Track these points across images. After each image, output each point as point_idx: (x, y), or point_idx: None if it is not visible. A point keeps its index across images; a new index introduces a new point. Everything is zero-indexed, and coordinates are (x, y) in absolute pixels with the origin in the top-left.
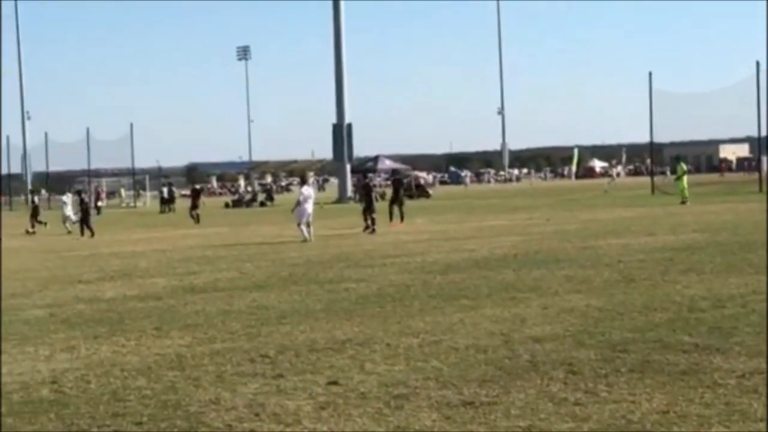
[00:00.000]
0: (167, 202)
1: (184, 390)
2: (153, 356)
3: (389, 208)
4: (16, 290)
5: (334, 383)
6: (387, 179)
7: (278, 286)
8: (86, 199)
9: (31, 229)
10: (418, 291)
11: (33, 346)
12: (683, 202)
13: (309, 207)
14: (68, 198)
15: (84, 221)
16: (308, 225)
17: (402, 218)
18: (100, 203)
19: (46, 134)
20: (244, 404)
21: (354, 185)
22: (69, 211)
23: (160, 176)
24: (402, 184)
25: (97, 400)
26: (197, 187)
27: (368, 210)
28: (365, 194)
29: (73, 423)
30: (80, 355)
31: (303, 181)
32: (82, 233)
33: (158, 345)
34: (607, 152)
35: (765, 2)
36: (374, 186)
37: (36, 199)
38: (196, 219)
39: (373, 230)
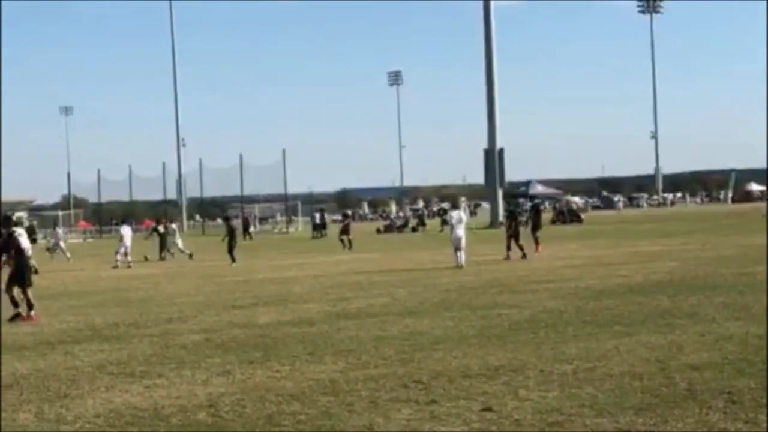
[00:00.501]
0: (319, 228)
1: (338, 415)
2: (307, 381)
3: (533, 235)
4: (173, 315)
5: (488, 410)
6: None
7: (431, 311)
8: (234, 226)
9: (159, 256)
10: (571, 317)
11: (190, 370)
12: None
13: (460, 231)
14: (176, 226)
15: (230, 248)
16: (458, 250)
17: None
18: (251, 229)
19: (200, 160)
20: (397, 430)
21: (505, 210)
22: (177, 239)
23: (311, 201)
24: (539, 212)
25: (252, 425)
26: (347, 212)
27: (515, 236)
28: (511, 221)
29: None
30: (236, 380)
31: (454, 206)
32: (233, 260)
33: (312, 370)
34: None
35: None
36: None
37: (161, 228)
38: (347, 245)
39: (524, 255)
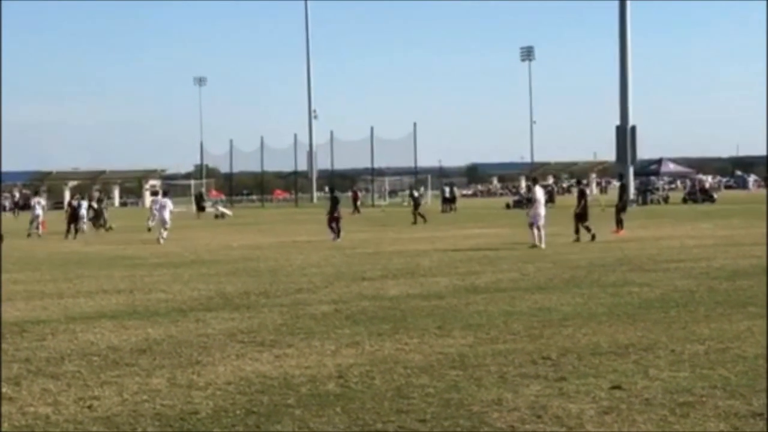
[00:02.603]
0: (449, 202)
1: (467, 389)
2: (435, 355)
3: (616, 215)
4: (303, 285)
5: (618, 388)
6: (670, 182)
7: (560, 288)
8: (338, 199)
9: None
10: (703, 297)
11: (319, 341)
12: None
13: (540, 209)
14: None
15: (332, 221)
16: (539, 228)
17: (621, 226)
18: (359, 203)
19: (331, 133)
20: (526, 406)
21: (636, 188)
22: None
23: (441, 176)
24: (625, 192)
25: (381, 396)
26: (414, 192)
27: (581, 216)
28: (580, 200)
29: (358, 417)
30: (365, 351)
31: (535, 182)
32: (337, 234)
33: (440, 344)
34: None
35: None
36: (656, 189)
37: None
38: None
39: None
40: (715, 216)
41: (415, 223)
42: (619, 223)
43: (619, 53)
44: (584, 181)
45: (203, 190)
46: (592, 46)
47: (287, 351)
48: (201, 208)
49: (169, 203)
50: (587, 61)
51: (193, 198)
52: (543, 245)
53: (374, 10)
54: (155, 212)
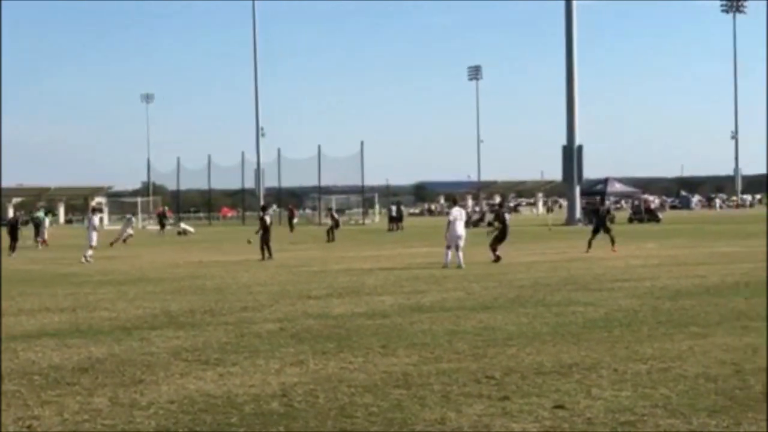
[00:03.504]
0: (395, 220)
1: (410, 409)
2: (380, 374)
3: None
4: (248, 304)
5: (561, 407)
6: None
7: (505, 307)
8: (267, 219)
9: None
10: (646, 316)
11: (264, 359)
12: None
13: (459, 229)
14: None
15: (264, 241)
16: (458, 249)
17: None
18: (295, 221)
19: (279, 150)
20: (469, 425)
21: (583, 207)
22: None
23: (388, 194)
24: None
25: (325, 415)
26: (332, 210)
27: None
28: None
29: None
30: (309, 370)
31: (454, 203)
32: (263, 255)
33: (385, 363)
34: None
35: (766, 2)
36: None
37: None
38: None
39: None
40: (660, 236)
41: (329, 241)
42: (612, 241)
43: (566, 73)
44: (509, 204)
45: (165, 208)
46: (539, 65)
47: (231, 369)
48: (163, 225)
49: (95, 221)
50: (534, 80)
51: (156, 216)
52: (460, 264)
53: (322, 29)
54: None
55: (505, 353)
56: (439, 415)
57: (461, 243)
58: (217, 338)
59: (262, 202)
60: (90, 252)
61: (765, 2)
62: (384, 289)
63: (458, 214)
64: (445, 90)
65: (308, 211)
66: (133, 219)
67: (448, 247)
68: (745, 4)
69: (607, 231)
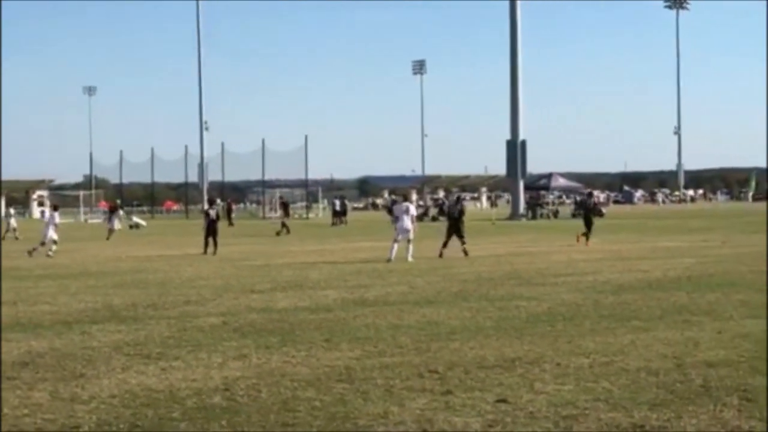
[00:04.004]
0: (339, 215)
1: (353, 403)
2: (323, 368)
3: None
4: (191, 298)
5: (503, 401)
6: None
7: (448, 301)
8: (212, 213)
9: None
10: (589, 311)
11: (206, 353)
12: None
13: (407, 223)
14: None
15: (209, 235)
16: (409, 242)
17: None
18: (233, 215)
19: (222, 144)
20: (412, 419)
21: (526, 202)
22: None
23: (332, 188)
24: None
25: (267, 410)
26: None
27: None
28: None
29: (244, 431)
30: (252, 364)
31: (405, 198)
32: (206, 249)
33: (328, 357)
34: None
35: (765, 2)
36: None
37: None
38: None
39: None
40: (604, 231)
41: (279, 234)
42: (586, 235)
43: (510, 68)
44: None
45: (118, 201)
46: (484, 60)
47: (174, 363)
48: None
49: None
50: (479, 75)
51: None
52: (408, 258)
53: (267, 22)
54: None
55: (448, 347)
56: (382, 409)
57: (410, 236)
58: (159, 332)
59: (206, 196)
60: (54, 247)
61: (765, 2)
62: (328, 284)
63: (404, 208)
64: (390, 84)
65: (252, 205)
66: (121, 213)
67: (396, 241)
68: (689, 0)
69: (589, 224)
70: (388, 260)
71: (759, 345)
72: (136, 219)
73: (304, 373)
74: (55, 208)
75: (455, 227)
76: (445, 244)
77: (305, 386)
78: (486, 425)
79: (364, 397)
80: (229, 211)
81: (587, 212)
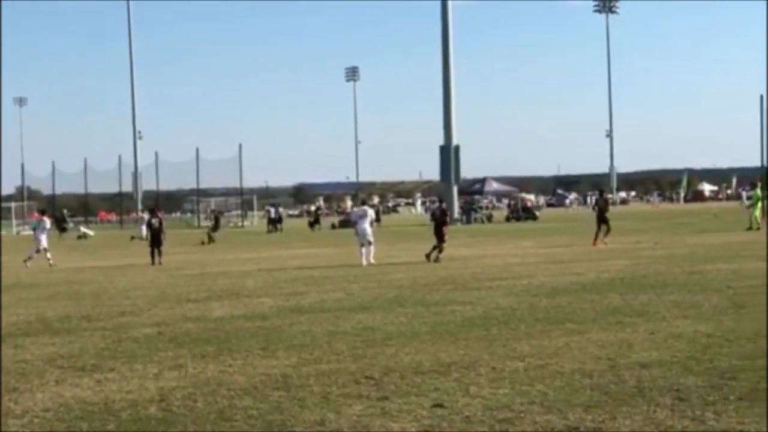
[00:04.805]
0: (274, 222)
1: (290, 410)
2: (259, 376)
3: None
4: (126, 308)
5: (439, 406)
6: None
7: (384, 307)
8: (155, 223)
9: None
10: (524, 314)
11: (142, 363)
12: (750, 229)
13: (364, 227)
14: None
15: (154, 245)
16: (369, 244)
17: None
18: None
19: (156, 153)
20: (348, 426)
21: (460, 207)
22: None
23: (267, 196)
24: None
25: (204, 419)
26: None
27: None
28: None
29: None
30: (188, 374)
31: (363, 203)
32: (153, 260)
33: (264, 365)
34: (718, 176)
35: (765, 2)
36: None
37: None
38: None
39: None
40: (538, 234)
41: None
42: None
43: (442, 73)
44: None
45: (65, 211)
46: (417, 66)
47: (108, 375)
48: (63, 229)
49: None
50: (412, 81)
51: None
52: (370, 261)
53: (199, 30)
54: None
55: (384, 353)
56: (319, 416)
57: (370, 239)
58: (93, 344)
59: (140, 205)
60: (49, 254)
61: (765, 2)
62: (263, 291)
63: (361, 212)
64: (323, 91)
65: (187, 214)
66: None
67: (361, 245)
68: (618, 4)
69: (605, 222)
70: (361, 266)
71: (691, 345)
72: (84, 229)
73: (240, 381)
74: (42, 212)
75: (438, 231)
76: (435, 248)
77: (242, 395)
78: (422, 430)
79: (300, 404)
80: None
81: (600, 211)
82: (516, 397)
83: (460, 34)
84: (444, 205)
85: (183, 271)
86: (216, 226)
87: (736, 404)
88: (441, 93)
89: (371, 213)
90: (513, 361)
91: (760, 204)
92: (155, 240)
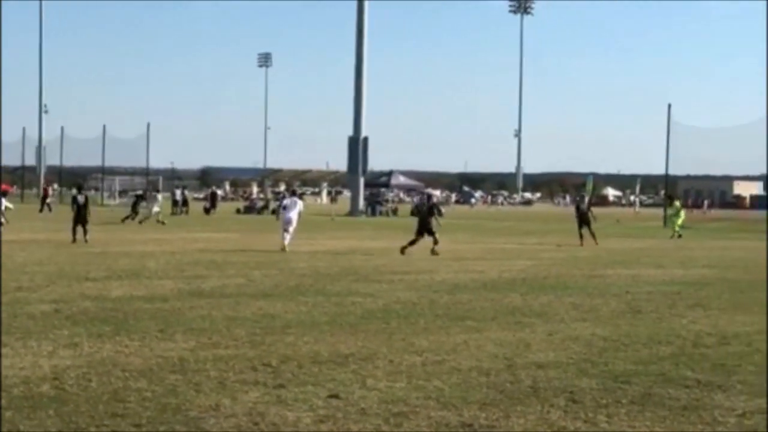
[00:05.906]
0: (179, 205)
1: (185, 394)
2: (155, 358)
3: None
4: (23, 284)
5: (335, 397)
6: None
7: (285, 295)
8: (80, 199)
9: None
10: (424, 309)
11: (36, 341)
12: (674, 237)
13: (290, 215)
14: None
15: (78, 222)
16: (287, 232)
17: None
18: (48, 200)
19: (62, 129)
20: (243, 412)
21: (366, 199)
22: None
23: (173, 178)
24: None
25: (97, 400)
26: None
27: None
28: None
29: (71, 421)
30: (83, 353)
31: (293, 193)
32: (74, 237)
33: (161, 347)
34: (622, 181)
35: (765, 2)
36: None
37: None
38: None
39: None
40: (442, 230)
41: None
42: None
43: (355, 64)
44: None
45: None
46: (330, 56)
47: (2, 351)
48: None
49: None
50: (324, 70)
51: None
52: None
53: (111, 7)
54: None
55: (282, 341)
56: (214, 401)
57: (290, 228)
58: None
59: (42, 180)
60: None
61: (765, 2)
62: (164, 273)
63: (290, 202)
64: (235, 76)
65: (91, 191)
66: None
67: (285, 231)
68: (533, 5)
69: (588, 224)
70: (282, 249)
71: (587, 348)
72: (5, 203)
73: (136, 363)
74: (4, 194)
75: (425, 225)
76: (413, 242)
77: (137, 376)
78: (317, 420)
79: (196, 388)
80: (44, 197)
81: (581, 213)
82: (412, 392)
83: (375, 28)
84: (434, 199)
85: (83, 249)
86: (134, 208)
87: (629, 408)
88: (353, 84)
89: (300, 204)
90: (411, 355)
91: (682, 213)
92: (80, 217)
